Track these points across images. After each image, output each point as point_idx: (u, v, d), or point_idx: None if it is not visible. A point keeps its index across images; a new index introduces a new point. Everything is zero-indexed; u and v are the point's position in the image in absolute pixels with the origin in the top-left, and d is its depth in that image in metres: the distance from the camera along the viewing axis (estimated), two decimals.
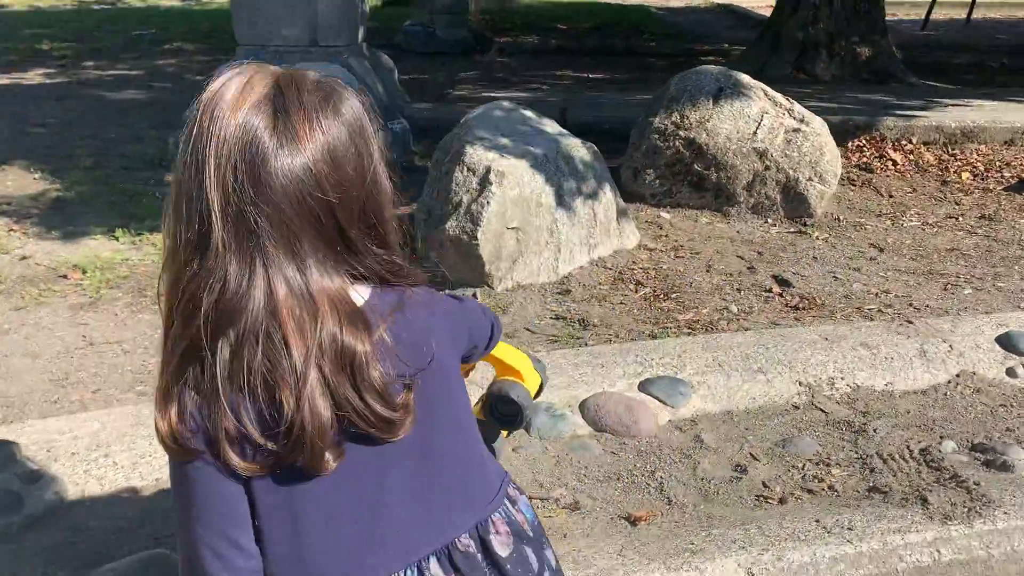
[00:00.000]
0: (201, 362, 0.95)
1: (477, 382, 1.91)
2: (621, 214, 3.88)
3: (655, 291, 3.43)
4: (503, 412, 1.60)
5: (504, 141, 3.55)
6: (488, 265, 3.38)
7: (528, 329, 3.12)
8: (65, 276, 3.58)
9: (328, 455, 0.98)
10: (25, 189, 4.60)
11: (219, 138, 0.92)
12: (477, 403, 1.65)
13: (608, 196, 3.76)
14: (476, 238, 3.31)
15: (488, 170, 3.37)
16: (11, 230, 4.04)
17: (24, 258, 3.73)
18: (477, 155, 3.44)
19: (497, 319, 1.54)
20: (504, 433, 1.72)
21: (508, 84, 7.48)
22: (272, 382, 0.94)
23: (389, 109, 5.43)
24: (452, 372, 1.17)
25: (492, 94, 6.90)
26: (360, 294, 1.03)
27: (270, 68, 1.00)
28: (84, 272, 3.59)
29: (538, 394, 1.73)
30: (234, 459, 0.96)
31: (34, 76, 7.99)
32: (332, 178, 0.96)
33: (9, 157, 5.11)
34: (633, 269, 3.65)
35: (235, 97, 0.94)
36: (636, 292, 3.43)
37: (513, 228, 3.38)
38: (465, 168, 3.43)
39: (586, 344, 2.98)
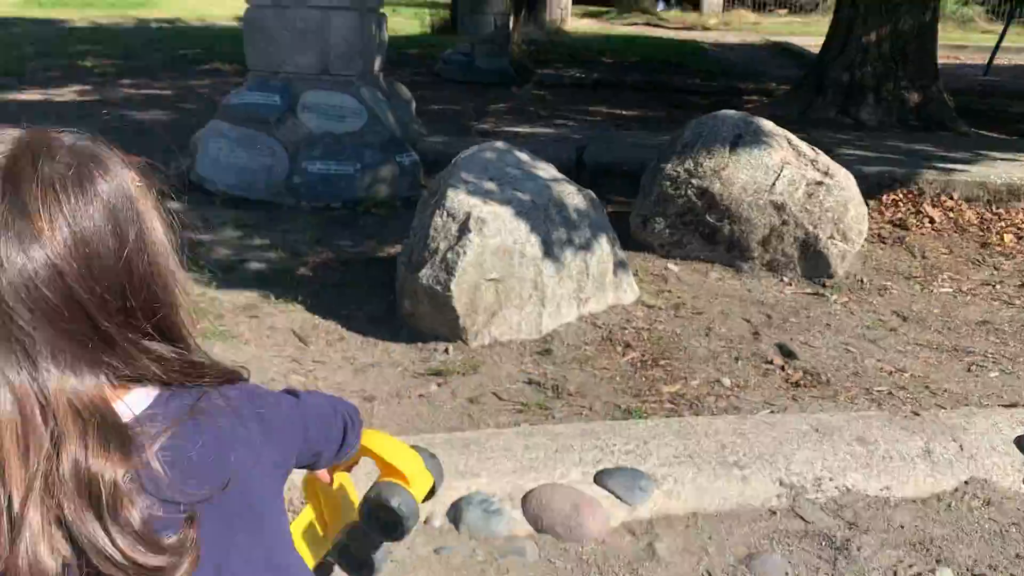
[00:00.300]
0: None
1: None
2: (619, 266, 3.60)
3: (644, 356, 3.14)
4: (384, 519, 1.36)
5: (490, 185, 3.31)
6: (463, 319, 3.13)
7: (496, 394, 2.85)
8: None
9: None
10: None
11: None
12: (360, 505, 1.41)
13: (604, 247, 3.49)
14: (449, 289, 3.07)
15: (468, 216, 3.14)
16: None
17: None
18: (458, 199, 3.20)
19: (355, 413, 1.31)
20: (388, 542, 1.47)
21: (536, 118, 7.26)
22: None
23: (400, 141, 5.24)
24: (265, 493, 0.96)
25: (515, 128, 6.69)
26: (131, 403, 0.83)
27: (12, 133, 0.81)
28: None
29: (429, 496, 1.48)
30: None
31: (68, 93, 8.04)
32: (77, 266, 0.78)
33: None
34: (625, 328, 3.36)
35: None
36: (623, 356, 3.14)
37: (492, 279, 3.13)
38: (445, 213, 3.20)
39: (553, 416, 2.70)
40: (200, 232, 4.36)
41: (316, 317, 3.45)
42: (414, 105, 5.99)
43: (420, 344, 3.19)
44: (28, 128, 0.84)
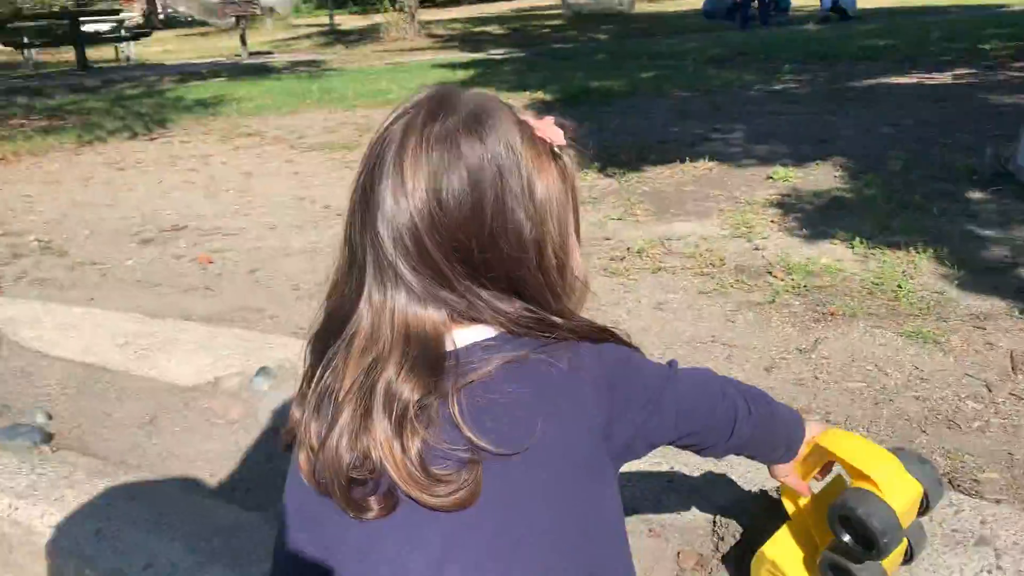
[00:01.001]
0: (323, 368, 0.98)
1: None
2: None
3: None
4: (859, 533, 1.17)
5: None
6: None
7: None
8: (771, 273, 3.64)
9: (371, 501, 0.88)
10: (816, 186, 4.76)
11: (365, 154, 0.95)
12: (828, 517, 1.24)
13: None
14: None
15: None
16: (772, 222, 4.26)
17: (756, 249, 3.92)
18: None
19: (763, 403, 1.16)
20: (888, 564, 1.24)
21: None
22: (323, 406, 0.93)
23: None
24: (578, 466, 0.92)
25: None
26: (463, 336, 0.92)
27: (442, 88, 0.96)
28: (790, 274, 3.58)
29: (925, 510, 1.23)
30: (304, 466, 0.94)
31: (944, 77, 7.89)
32: (428, 221, 0.89)
33: (832, 153, 5.32)
34: None
35: (387, 116, 0.95)
36: None
37: None
38: None
39: None
40: (979, 227, 3.91)
41: None
42: None
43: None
44: (441, 86, 0.96)
